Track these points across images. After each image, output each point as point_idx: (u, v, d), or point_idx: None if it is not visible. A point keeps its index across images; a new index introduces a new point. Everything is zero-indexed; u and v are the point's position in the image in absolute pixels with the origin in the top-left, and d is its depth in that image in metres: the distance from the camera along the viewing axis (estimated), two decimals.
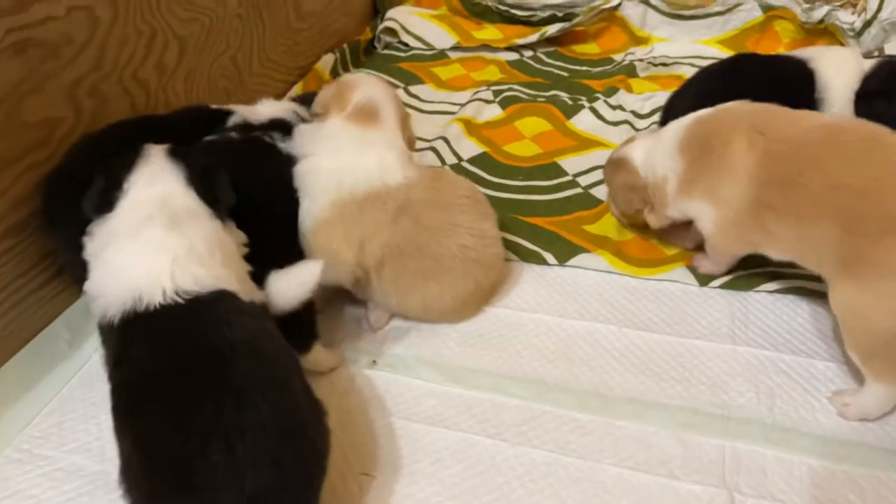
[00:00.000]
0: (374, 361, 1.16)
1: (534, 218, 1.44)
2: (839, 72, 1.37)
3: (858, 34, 1.91)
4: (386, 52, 2.16)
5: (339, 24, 2.05)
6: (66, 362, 1.16)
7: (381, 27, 2.16)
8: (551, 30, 2.10)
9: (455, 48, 2.11)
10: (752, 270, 1.26)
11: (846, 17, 1.93)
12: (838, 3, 1.98)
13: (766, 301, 1.22)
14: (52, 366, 1.15)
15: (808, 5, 1.98)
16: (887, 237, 0.96)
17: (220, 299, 0.88)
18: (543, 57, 2.09)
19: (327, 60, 1.93)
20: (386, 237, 1.12)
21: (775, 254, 1.12)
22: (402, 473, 0.98)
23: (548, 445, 1.01)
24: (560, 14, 2.14)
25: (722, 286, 1.25)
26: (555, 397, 1.08)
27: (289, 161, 1.17)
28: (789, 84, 1.39)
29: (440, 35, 2.13)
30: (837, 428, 1.01)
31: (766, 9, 1.99)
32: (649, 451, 0.99)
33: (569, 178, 1.55)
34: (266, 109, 1.27)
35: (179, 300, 0.86)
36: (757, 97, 1.18)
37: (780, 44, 1.99)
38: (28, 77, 1.08)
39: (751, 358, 1.12)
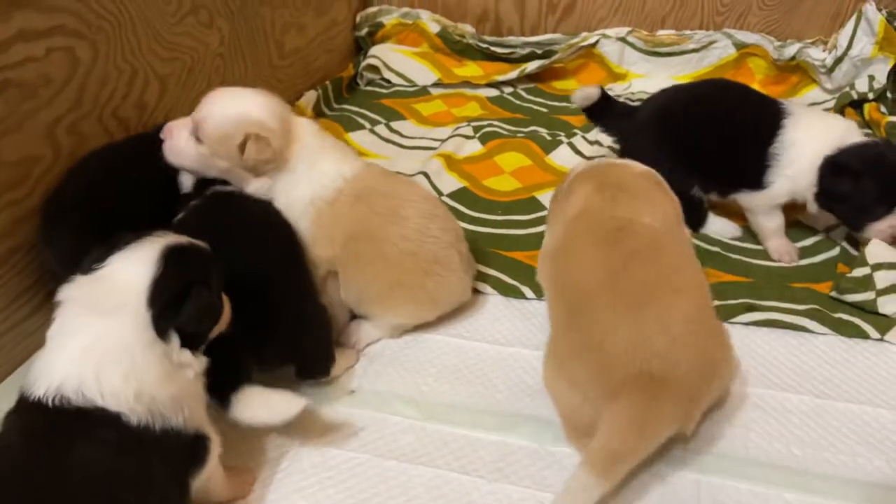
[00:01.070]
0: (353, 391, 1.16)
1: (513, 252, 1.45)
2: (811, 135, 1.34)
3: (830, 70, 1.96)
4: (368, 88, 2.19)
5: (322, 61, 2.08)
6: None
7: (363, 64, 2.19)
8: (531, 66, 2.14)
9: (436, 85, 2.15)
10: (728, 301, 1.27)
11: (817, 55, 1.98)
12: (810, 41, 2.03)
13: (740, 334, 1.23)
14: None
15: (779, 43, 2.03)
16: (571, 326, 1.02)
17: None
18: (523, 93, 2.13)
19: (310, 97, 1.95)
20: (345, 223, 1.17)
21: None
22: None
23: (524, 481, 1.01)
24: (539, 51, 2.19)
25: None
26: (532, 432, 1.08)
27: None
28: (748, 128, 1.39)
29: (422, 72, 2.16)
30: (812, 461, 1.02)
31: (740, 46, 2.04)
32: (626, 486, 0.99)
33: (547, 212, 1.56)
34: None
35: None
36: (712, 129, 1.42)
37: (753, 80, 2.05)
38: (6, 117, 1.09)
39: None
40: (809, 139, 1.34)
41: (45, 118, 1.17)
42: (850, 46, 1.93)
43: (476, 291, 1.36)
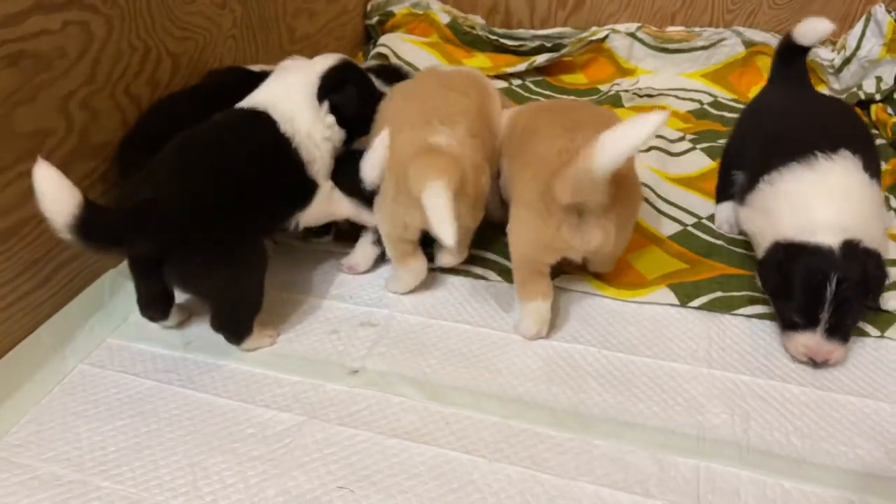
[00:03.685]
0: (356, 371, 1.17)
1: None
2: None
3: (838, 71, 1.96)
4: None
5: (332, 48, 2.09)
6: (49, 371, 1.16)
7: (372, 53, 2.20)
8: (540, 59, 2.14)
9: None
10: (731, 293, 1.28)
11: (826, 55, 1.98)
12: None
13: (742, 325, 1.24)
14: (34, 374, 1.14)
15: None
16: (523, 171, 1.21)
17: (256, 115, 1.21)
18: (532, 86, 2.13)
19: None
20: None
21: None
22: (379, 488, 0.98)
23: (525, 462, 1.02)
24: (548, 44, 2.19)
25: (701, 307, 1.27)
26: (533, 415, 1.09)
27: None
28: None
29: (431, 62, 2.17)
30: (811, 451, 1.03)
31: (749, 44, 2.04)
32: (625, 469, 1.00)
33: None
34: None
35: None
36: None
37: (761, 78, 2.05)
38: (21, 87, 1.10)
39: (727, 381, 1.14)
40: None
41: (59, 91, 1.17)
42: (858, 47, 1.93)
43: (481, 278, 1.37)
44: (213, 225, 1.09)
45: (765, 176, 1.25)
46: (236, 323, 1.19)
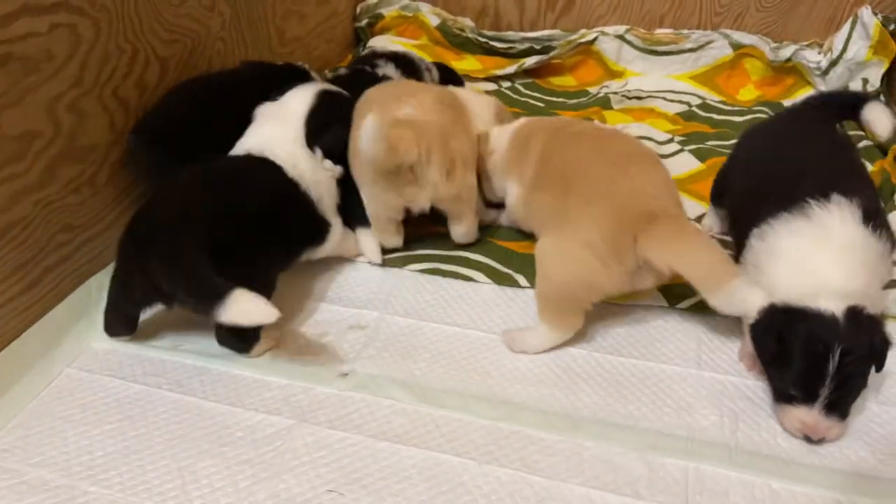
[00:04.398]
0: (346, 374, 1.16)
1: (507, 242, 1.46)
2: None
3: (825, 73, 1.97)
4: None
5: (321, 50, 2.09)
6: (36, 375, 1.15)
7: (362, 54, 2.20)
8: (529, 62, 2.15)
9: None
10: None
11: (813, 57, 1.99)
12: (805, 43, 2.05)
13: (732, 326, 1.24)
14: (21, 378, 1.14)
15: (776, 44, 2.04)
16: (573, 201, 1.18)
17: (263, 162, 1.26)
18: (521, 88, 2.14)
19: None
20: None
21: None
22: (369, 491, 0.98)
23: (515, 464, 1.02)
24: (538, 47, 2.20)
25: (690, 308, 1.27)
26: (523, 417, 1.09)
27: None
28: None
29: None
30: (799, 451, 1.03)
31: (737, 47, 2.05)
32: (615, 471, 1.01)
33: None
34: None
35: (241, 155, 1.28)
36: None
37: (749, 81, 2.06)
38: (8, 90, 1.10)
39: (716, 383, 1.15)
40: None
41: (47, 94, 1.17)
42: (845, 49, 1.94)
43: (469, 280, 1.37)
44: (226, 259, 1.10)
45: (754, 230, 1.13)
46: (243, 337, 1.17)
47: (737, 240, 1.24)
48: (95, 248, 1.30)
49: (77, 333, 1.23)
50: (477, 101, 1.52)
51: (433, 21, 2.25)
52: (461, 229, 1.40)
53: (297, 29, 1.92)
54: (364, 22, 2.29)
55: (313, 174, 1.30)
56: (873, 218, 1.08)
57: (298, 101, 1.34)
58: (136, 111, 1.37)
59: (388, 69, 1.65)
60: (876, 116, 1.29)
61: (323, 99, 1.36)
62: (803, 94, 2.02)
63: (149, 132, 1.33)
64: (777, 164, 1.23)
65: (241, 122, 1.34)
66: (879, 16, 1.92)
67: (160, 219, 1.13)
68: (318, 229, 1.31)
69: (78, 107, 1.23)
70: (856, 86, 1.91)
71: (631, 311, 1.29)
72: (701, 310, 1.27)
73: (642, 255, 1.11)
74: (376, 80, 1.55)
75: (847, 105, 1.35)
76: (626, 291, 1.19)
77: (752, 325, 1.07)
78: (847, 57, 1.94)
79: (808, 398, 1.01)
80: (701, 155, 1.74)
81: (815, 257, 1.05)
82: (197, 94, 1.41)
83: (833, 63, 1.96)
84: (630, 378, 1.16)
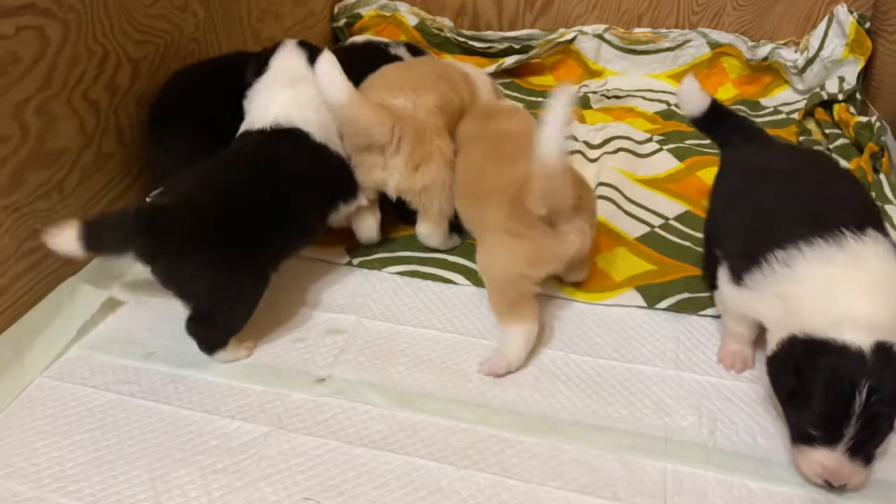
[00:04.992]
0: (322, 379, 1.15)
1: None
2: None
3: (801, 71, 1.98)
4: None
5: None
6: (6, 384, 1.13)
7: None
8: (508, 61, 2.14)
9: None
10: (697, 294, 1.29)
11: (789, 55, 2.00)
12: (782, 42, 2.06)
13: (710, 327, 1.25)
14: None
15: (752, 43, 2.05)
16: (482, 206, 1.23)
17: (294, 132, 1.27)
18: (500, 87, 2.12)
19: None
20: None
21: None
22: (346, 498, 0.97)
23: (493, 469, 1.01)
24: (517, 46, 2.19)
25: (668, 308, 1.27)
26: (501, 421, 1.08)
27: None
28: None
29: None
30: (777, 451, 1.03)
31: (714, 46, 2.06)
32: (594, 473, 1.00)
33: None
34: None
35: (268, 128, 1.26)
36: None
37: (727, 79, 2.07)
38: None
39: (694, 383, 1.14)
40: None
41: (14, 97, 1.15)
42: (821, 48, 1.95)
43: (448, 282, 1.36)
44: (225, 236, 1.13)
45: (776, 253, 1.01)
46: (211, 332, 1.16)
47: (742, 260, 1.08)
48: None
49: (48, 341, 1.20)
50: (483, 81, 1.56)
51: (411, 21, 2.24)
52: (422, 228, 1.40)
53: (273, 29, 1.90)
54: (342, 22, 2.28)
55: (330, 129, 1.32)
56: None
57: (294, 60, 1.35)
58: (108, 113, 1.35)
59: (399, 50, 1.69)
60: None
61: (308, 48, 1.39)
62: (780, 92, 2.04)
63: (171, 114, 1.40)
64: (805, 187, 1.12)
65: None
66: (855, 14, 1.94)
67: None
68: (350, 184, 1.34)
69: (46, 110, 1.21)
70: (832, 84, 1.92)
71: (609, 312, 1.28)
72: (679, 310, 1.27)
73: (532, 209, 1.13)
74: (386, 55, 1.62)
75: None
76: (560, 259, 1.18)
77: (769, 357, 1.00)
78: (823, 55, 1.95)
79: (830, 439, 0.92)
80: (680, 154, 1.74)
81: (846, 286, 0.95)
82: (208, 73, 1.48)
83: (810, 61, 1.97)
84: (608, 379, 1.15)
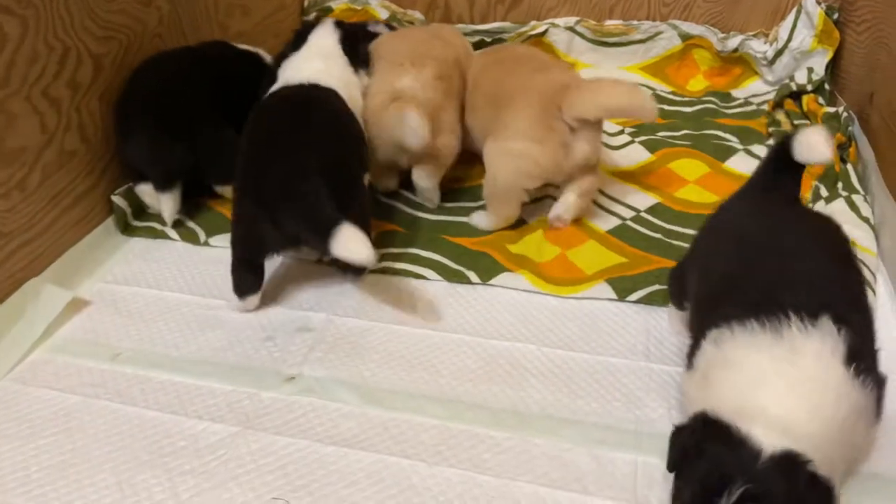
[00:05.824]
0: (293, 377, 1.14)
1: (459, 238, 1.45)
2: None
3: (771, 62, 2.00)
4: None
5: (269, 45, 2.02)
6: None
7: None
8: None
9: None
10: (667, 286, 1.29)
11: (759, 47, 2.01)
12: (752, 33, 2.07)
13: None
14: None
15: (723, 35, 2.06)
16: (507, 109, 1.39)
17: (331, 91, 1.34)
18: None
19: None
20: None
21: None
22: (316, 497, 0.96)
23: (464, 464, 1.01)
24: (489, 39, 2.17)
25: (639, 300, 1.28)
26: (472, 416, 1.08)
27: None
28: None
29: None
30: None
31: (685, 37, 2.06)
32: (564, 467, 1.00)
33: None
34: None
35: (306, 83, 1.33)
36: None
37: (698, 70, 2.07)
38: None
39: (664, 374, 1.15)
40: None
41: None
42: (790, 39, 1.96)
43: (420, 277, 1.35)
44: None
45: (711, 330, 0.92)
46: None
47: (693, 339, 1.00)
48: (29, 255, 1.25)
49: (11, 343, 1.18)
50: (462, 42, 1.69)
51: (382, 14, 2.22)
52: (423, 171, 1.50)
53: (241, 24, 1.87)
54: (312, 15, 2.24)
55: (355, 87, 1.44)
56: (860, 359, 0.85)
57: (327, 36, 1.45)
58: (69, 111, 1.32)
59: (378, 28, 1.72)
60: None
61: (343, 26, 1.49)
62: (751, 83, 2.05)
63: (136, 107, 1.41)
64: (757, 251, 0.99)
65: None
66: (823, 5, 1.95)
67: (272, 159, 1.20)
68: (364, 158, 1.38)
69: (5, 108, 1.18)
70: (801, 75, 1.93)
71: (580, 305, 1.28)
72: (650, 302, 1.28)
73: (570, 114, 1.33)
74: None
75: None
76: (564, 170, 1.38)
77: (675, 426, 0.89)
78: (792, 46, 1.96)
79: None
80: (651, 146, 1.75)
81: (771, 380, 0.84)
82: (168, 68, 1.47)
83: (779, 52, 1.98)
84: (579, 373, 1.15)
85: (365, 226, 1.17)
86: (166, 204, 1.42)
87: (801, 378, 0.83)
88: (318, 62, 1.39)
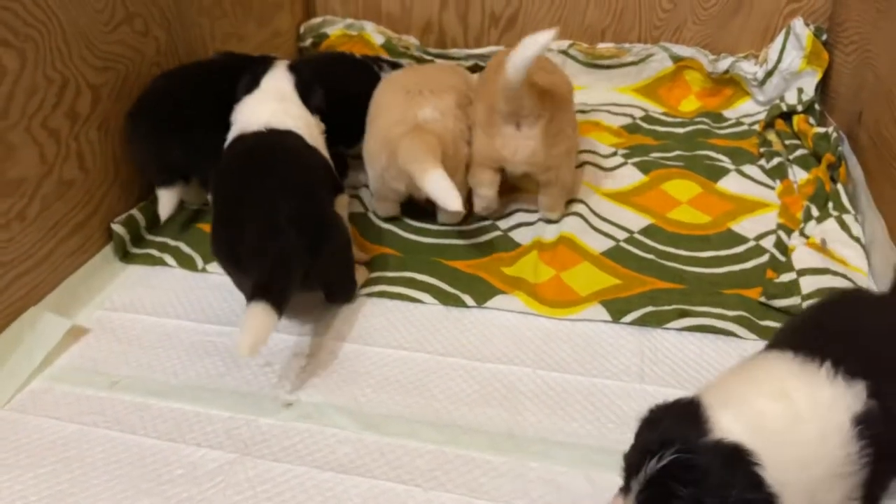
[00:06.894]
0: (290, 404, 1.15)
1: (455, 262, 1.46)
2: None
3: (761, 83, 2.02)
4: None
5: None
6: None
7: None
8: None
9: None
10: (661, 307, 1.30)
11: (749, 68, 2.04)
12: (742, 55, 2.09)
13: (674, 339, 1.26)
14: None
15: (713, 56, 2.09)
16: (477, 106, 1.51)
17: (289, 133, 1.35)
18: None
19: None
20: None
21: None
22: None
23: (460, 489, 1.01)
24: (483, 63, 2.20)
25: (633, 322, 1.29)
26: (468, 440, 1.09)
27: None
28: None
29: None
30: None
31: (676, 59, 2.09)
32: (559, 490, 1.01)
33: (489, 221, 1.59)
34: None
35: (264, 130, 1.33)
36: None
37: (690, 91, 2.10)
38: None
39: (658, 396, 1.13)
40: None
41: None
42: (779, 60, 1.99)
43: (416, 301, 1.36)
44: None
45: None
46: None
47: None
48: (28, 284, 1.26)
49: (10, 373, 1.19)
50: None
51: (378, 40, 2.25)
52: (451, 217, 1.56)
53: (237, 49, 1.89)
54: (308, 41, 2.28)
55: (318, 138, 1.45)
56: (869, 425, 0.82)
57: (281, 79, 1.46)
58: (68, 141, 1.34)
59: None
60: None
61: (297, 68, 1.51)
62: (742, 103, 2.08)
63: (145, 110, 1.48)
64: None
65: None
66: (811, 26, 1.98)
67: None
68: (336, 183, 1.44)
69: (5, 140, 1.20)
70: (791, 95, 1.96)
71: (574, 327, 1.29)
72: (643, 323, 1.29)
73: (494, 105, 1.42)
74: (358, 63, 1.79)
75: None
76: (501, 160, 1.46)
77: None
78: (782, 67, 1.99)
79: (626, 487, 0.83)
80: (644, 167, 1.77)
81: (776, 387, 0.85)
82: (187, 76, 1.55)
83: (769, 73, 2.00)
84: (574, 395, 1.16)
85: (344, 254, 1.32)
86: (163, 199, 1.48)
87: (804, 410, 0.81)
88: (273, 104, 1.39)
